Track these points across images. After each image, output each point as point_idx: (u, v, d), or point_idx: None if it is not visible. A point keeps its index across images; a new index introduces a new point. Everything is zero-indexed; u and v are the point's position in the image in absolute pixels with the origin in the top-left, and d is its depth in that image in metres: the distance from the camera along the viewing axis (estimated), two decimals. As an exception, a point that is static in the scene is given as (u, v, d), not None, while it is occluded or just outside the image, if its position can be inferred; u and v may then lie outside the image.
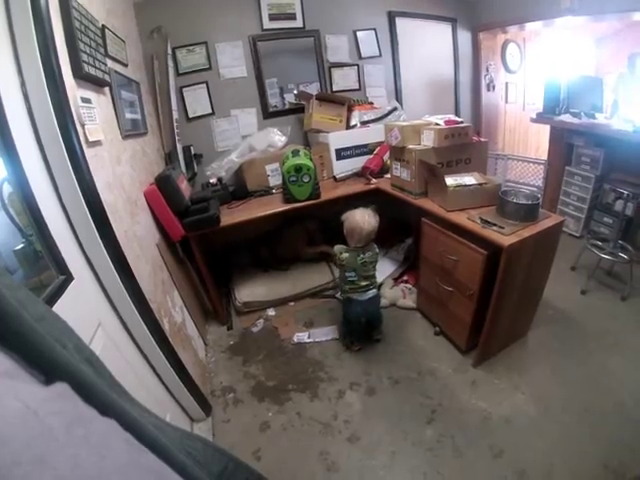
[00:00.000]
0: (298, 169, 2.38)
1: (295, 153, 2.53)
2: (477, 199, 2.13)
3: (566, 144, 3.35)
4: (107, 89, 1.68)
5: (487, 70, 4.07)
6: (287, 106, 3.13)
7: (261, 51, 2.90)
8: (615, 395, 1.84)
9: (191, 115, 2.86)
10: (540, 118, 3.46)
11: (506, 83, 4.33)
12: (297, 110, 3.11)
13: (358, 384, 2.06)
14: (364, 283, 2.11)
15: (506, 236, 1.82)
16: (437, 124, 2.28)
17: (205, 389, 2.00)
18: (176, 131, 2.66)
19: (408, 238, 3.09)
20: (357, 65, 3.25)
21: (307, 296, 2.81)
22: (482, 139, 2.40)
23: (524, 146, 4.99)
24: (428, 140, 2.22)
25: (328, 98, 2.88)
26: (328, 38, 3.09)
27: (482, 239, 1.87)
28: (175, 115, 2.65)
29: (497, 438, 1.68)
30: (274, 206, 2.49)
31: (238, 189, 2.79)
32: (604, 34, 4.48)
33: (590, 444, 1.61)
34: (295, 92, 3.11)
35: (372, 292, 2.14)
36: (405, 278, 2.90)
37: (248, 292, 2.68)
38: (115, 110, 1.74)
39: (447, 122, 2.24)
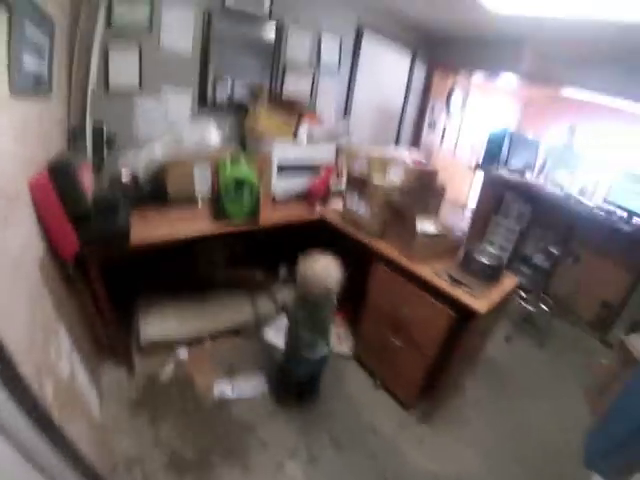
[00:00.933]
0: (239, 183, 1.92)
1: (235, 161, 2.08)
2: (440, 250, 1.96)
3: (496, 195, 3.48)
4: (3, 12, 1.05)
5: (432, 109, 4.10)
6: (226, 101, 2.62)
7: (214, 31, 2.37)
8: (542, 439, 2.07)
9: (112, 84, 2.17)
10: (480, 167, 3.56)
11: (444, 127, 4.43)
12: (239, 108, 2.63)
13: (298, 451, 1.73)
14: (320, 340, 1.75)
15: (478, 300, 1.68)
16: (404, 162, 2.06)
17: (104, 464, 1.40)
18: (88, 100, 1.99)
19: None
20: (313, 73, 2.92)
21: (226, 334, 2.32)
22: (443, 186, 2.25)
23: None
24: (395, 177, 1.99)
25: (282, 101, 2.49)
26: (291, 32, 2.68)
27: (449, 298, 1.71)
28: (92, 79, 1.98)
29: None
30: (200, 223, 1.95)
31: (154, 190, 2.12)
32: (530, 101, 4.96)
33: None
34: (250, 85, 2.64)
35: (326, 349, 1.78)
36: (338, 316, 2.60)
37: (156, 327, 2.09)
38: (9, 49, 1.11)
39: (416, 162, 2.04)
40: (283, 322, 2.42)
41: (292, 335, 1.75)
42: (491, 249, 1.97)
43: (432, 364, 1.84)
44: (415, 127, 4.15)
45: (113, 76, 2.13)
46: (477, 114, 4.81)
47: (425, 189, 2.13)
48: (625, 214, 2.85)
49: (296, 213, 2.33)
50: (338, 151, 2.69)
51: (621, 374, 2.27)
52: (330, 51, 2.97)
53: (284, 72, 2.78)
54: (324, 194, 2.53)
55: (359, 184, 2.06)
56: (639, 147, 4.02)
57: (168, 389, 1.90)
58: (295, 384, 1.89)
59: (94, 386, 1.70)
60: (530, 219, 3.33)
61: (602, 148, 4.03)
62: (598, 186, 3.20)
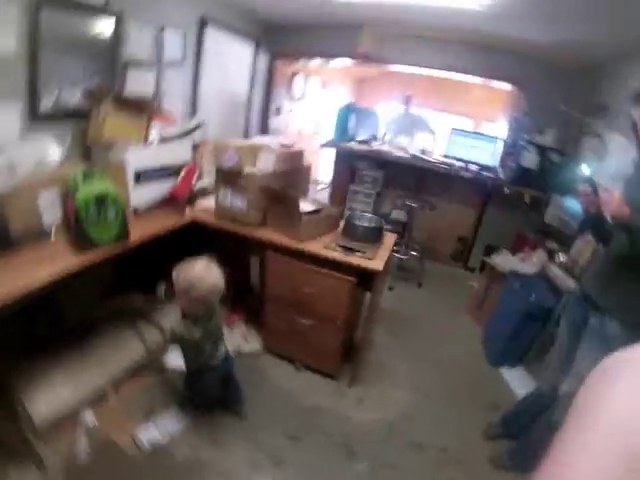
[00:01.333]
0: (101, 200, 1.59)
1: (88, 176, 1.73)
2: (323, 226, 2.02)
3: (350, 166, 3.78)
4: None
5: (277, 96, 4.19)
6: (62, 109, 2.15)
7: (45, 26, 1.87)
8: (450, 356, 2.45)
9: None
10: (331, 144, 3.77)
11: (289, 110, 4.55)
12: (78, 116, 2.21)
13: (259, 461, 1.61)
14: (220, 345, 1.64)
15: (373, 260, 1.78)
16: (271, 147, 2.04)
17: None
18: None
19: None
20: (157, 69, 2.64)
21: (126, 378, 1.93)
22: (309, 165, 2.30)
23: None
24: (266, 163, 1.95)
25: (128, 101, 2.16)
26: (131, 26, 2.34)
27: (346, 266, 1.79)
28: None
29: (410, 435, 1.82)
30: (60, 261, 1.54)
31: None
32: (364, 77, 5.44)
33: (463, 400, 2.10)
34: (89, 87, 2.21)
35: (223, 350, 1.68)
36: (234, 318, 2.48)
37: (47, 402, 1.60)
38: None
39: (282, 145, 2.03)
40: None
41: (192, 354, 1.60)
42: (367, 214, 2.11)
43: (344, 331, 1.91)
44: (263, 114, 4.19)
45: None
46: (317, 96, 5.07)
47: (295, 170, 2.15)
48: (462, 164, 3.38)
49: (165, 222, 2.08)
50: (195, 148, 2.51)
51: (491, 288, 2.74)
52: (173, 45, 2.73)
53: (125, 70, 2.44)
54: (188, 195, 2.33)
55: (230, 177, 1.95)
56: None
57: (93, 467, 1.52)
58: (214, 393, 1.74)
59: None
60: (383, 182, 3.72)
61: (432, 113, 4.69)
62: (435, 145, 3.73)
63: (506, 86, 3.54)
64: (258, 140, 2.13)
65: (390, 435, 1.82)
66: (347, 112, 3.59)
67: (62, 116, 2.12)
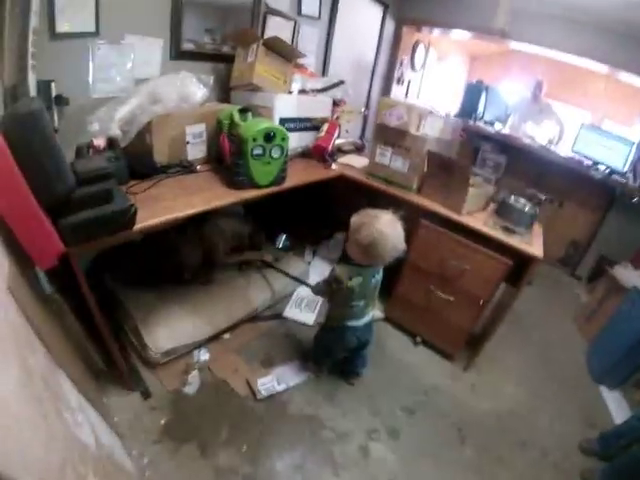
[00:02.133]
0: (269, 136, 1.54)
1: (245, 112, 1.73)
2: (481, 203, 1.97)
3: (473, 147, 3.61)
4: None
5: (401, 64, 4.04)
6: (205, 49, 2.19)
7: None
8: (557, 359, 2.42)
9: (60, 28, 1.64)
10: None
11: (409, 80, 4.40)
12: (220, 57, 2.25)
13: (376, 430, 1.65)
14: (368, 309, 1.62)
15: (531, 246, 1.73)
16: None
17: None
18: (31, 51, 1.48)
19: (336, 233, 2.71)
20: (295, 21, 2.62)
21: (242, 322, 2.00)
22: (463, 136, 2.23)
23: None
24: (431, 129, 1.91)
25: (278, 47, 2.15)
26: None
27: (502, 247, 1.73)
28: (33, 23, 1.46)
29: (517, 432, 1.82)
30: (215, 194, 1.55)
31: (136, 160, 1.59)
32: (479, 55, 5.14)
33: (565, 409, 2.05)
34: (233, 31, 2.22)
35: (369, 315, 1.66)
36: None
37: (167, 333, 1.65)
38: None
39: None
40: (301, 297, 2.29)
41: (340, 304, 1.58)
42: (521, 198, 2.03)
43: (482, 312, 1.89)
44: (385, 82, 4.06)
45: (61, 17, 1.62)
46: (434, 69, 4.86)
47: (452, 142, 2.09)
48: (590, 162, 3.15)
49: (314, 172, 2.13)
50: (334, 105, 2.50)
51: (606, 301, 2.60)
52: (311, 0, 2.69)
53: (264, 19, 2.44)
54: (331, 150, 2.35)
55: (393, 136, 1.93)
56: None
57: (203, 404, 1.58)
58: (341, 358, 1.76)
59: (117, 436, 1.32)
60: (505, 168, 3.52)
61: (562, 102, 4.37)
62: (561, 138, 3.49)
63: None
64: (422, 105, 2.06)
65: (499, 427, 1.82)
66: (479, 89, 3.42)
67: (204, 57, 2.16)
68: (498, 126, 3.56)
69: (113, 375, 1.54)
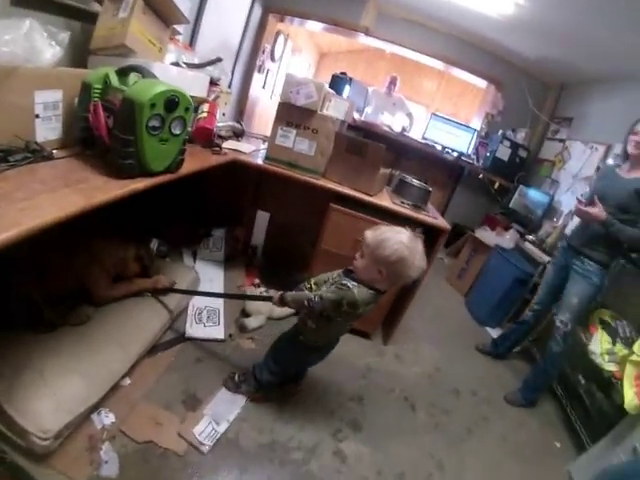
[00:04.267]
0: (172, 104, 1.14)
1: (124, 76, 1.24)
2: (383, 183, 2.03)
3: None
4: None
5: (263, 52, 3.90)
6: None
7: None
8: (451, 316, 2.85)
9: None
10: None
11: (267, 70, 4.30)
12: (76, 12, 1.72)
13: (339, 430, 1.54)
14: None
15: (437, 219, 1.87)
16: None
17: None
18: None
19: (214, 229, 2.41)
20: None
21: (139, 360, 1.51)
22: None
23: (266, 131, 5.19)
24: (337, 111, 1.86)
25: (159, 4, 1.73)
26: None
27: (413, 223, 1.78)
28: None
29: (447, 384, 2.06)
30: (94, 186, 1.05)
31: None
32: (329, 51, 5.40)
33: (471, 352, 2.47)
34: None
35: None
36: (257, 281, 2.29)
37: (52, 406, 1.10)
38: None
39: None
40: (198, 308, 1.90)
41: (334, 327, 1.32)
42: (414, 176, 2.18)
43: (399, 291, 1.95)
44: (247, 68, 3.88)
45: None
46: (291, 61, 4.90)
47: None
48: (440, 147, 3.67)
49: (203, 158, 1.80)
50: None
51: (472, 260, 3.09)
52: None
53: None
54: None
55: (298, 116, 1.79)
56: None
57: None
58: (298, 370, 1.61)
59: None
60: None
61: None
62: (412, 127, 3.96)
63: (481, 84, 3.96)
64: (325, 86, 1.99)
65: (432, 385, 2.00)
66: (344, 81, 3.56)
67: (57, 7, 1.61)
68: (356, 115, 3.79)
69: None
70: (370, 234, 1.19)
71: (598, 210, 1.70)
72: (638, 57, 2.55)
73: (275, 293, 1.37)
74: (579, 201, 1.83)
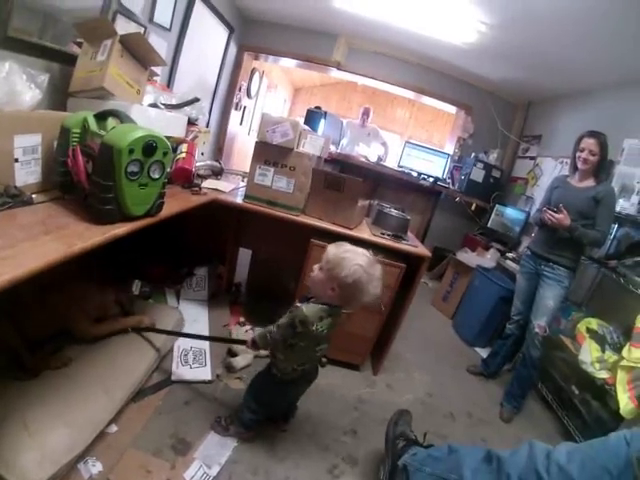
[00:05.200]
0: (150, 148, 1.15)
1: (103, 120, 1.26)
2: (362, 215, 2.08)
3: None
4: None
5: (239, 90, 4.00)
6: (37, 38, 1.66)
7: None
8: (436, 340, 2.86)
9: None
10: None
11: (244, 107, 4.41)
12: (56, 55, 1.76)
13: (335, 466, 1.49)
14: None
15: (417, 247, 1.90)
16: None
17: None
18: None
19: (196, 268, 2.40)
20: (145, 28, 2.28)
21: (125, 405, 1.46)
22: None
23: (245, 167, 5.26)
24: (313, 148, 1.91)
25: (137, 47, 1.75)
26: None
27: (394, 253, 1.85)
28: None
29: (441, 408, 2.04)
30: (74, 232, 1.05)
31: None
32: (303, 85, 5.58)
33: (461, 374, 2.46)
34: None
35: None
36: (242, 319, 2.27)
37: (37, 457, 1.06)
38: None
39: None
40: (184, 349, 1.86)
41: (299, 352, 1.29)
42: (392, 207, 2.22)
43: (385, 318, 1.95)
44: (225, 105, 3.98)
45: None
46: (267, 97, 5.04)
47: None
48: (416, 174, 3.77)
49: (182, 198, 1.80)
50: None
51: (456, 282, 3.13)
52: (165, 7, 2.42)
53: (114, 18, 2.06)
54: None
55: (276, 154, 1.83)
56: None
57: None
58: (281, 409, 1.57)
59: None
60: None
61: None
62: (387, 155, 4.07)
63: (452, 109, 4.13)
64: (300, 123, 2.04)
65: (427, 411, 1.98)
66: (319, 115, 3.66)
67: (38, 50, 1.69)
68: (333, 148, 3.89)
69: None
70: (332, 250, 1.20)
71: (564, 216, 1.87)
72: (595, 72, 2.76)
73: (249, 337, 1.37)
74: (546, 209, 1.96)
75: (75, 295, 1.50)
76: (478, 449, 1.20)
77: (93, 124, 1.21)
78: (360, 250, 1.20)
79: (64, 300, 1.46)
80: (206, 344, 1.93)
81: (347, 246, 1.21)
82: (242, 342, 1.44)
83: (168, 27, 2.56)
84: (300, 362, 1.31)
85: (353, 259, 1.15)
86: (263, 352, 1.94)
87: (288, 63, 4.17)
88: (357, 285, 1.14)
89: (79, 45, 1.74)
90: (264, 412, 1.43)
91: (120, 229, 1.15)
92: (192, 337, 1.85)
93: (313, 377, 1.44)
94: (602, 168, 1.96)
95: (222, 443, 1.42)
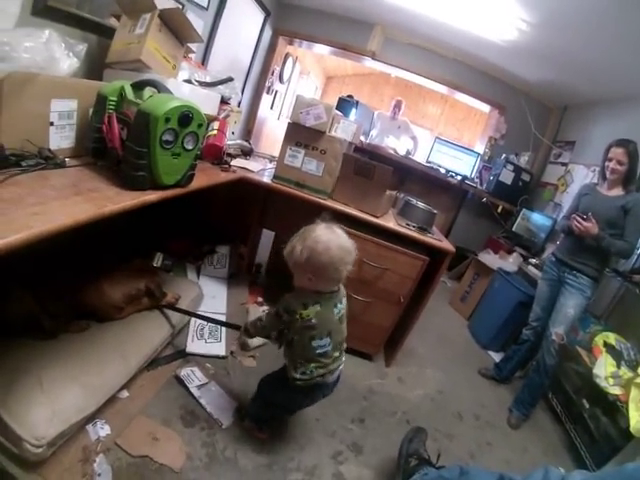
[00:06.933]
0: (186, 119, 1.16)
1: (139, 90, 1.27)
2: (389, 205, 2.06)
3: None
4: None
5: (272, 74, 4.00)
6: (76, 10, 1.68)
7: None
8: (454, 339, 2.83)
9: None
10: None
11: (276, 91, 4.40)
12: (94, 27, 1.79)
13: (340, 452, 1.50)
14: (337, 353, 1.28)
15: (442, 242, 1.87)
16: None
17: None
18: None
19: (219, 246, 2.41)
20: (183, 6, 2.30)
21: (142, 370, 1.51)
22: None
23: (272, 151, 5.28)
24: (345, 133, 1.89)
25: (176, 23, 1.70)
26: None
27: (418, 245, 1.83)
28: None
29: (450, 407, 2.03)
30: (105, 195, 1.05)
31: None
32: (335, 74, 5.54)
33: (474, 376, 2.43)
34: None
35: (340, 366, 1.33)
36: (260, 299, 2.31)
37: (48, 414, 1.09)
38: None
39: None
40: (200, 324, 1.88)
41: (299, 350, 1.22)
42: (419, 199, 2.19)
43: (402, 310, 1.94)
44: (257, 89, 3.97)
45: None
46: (296, 83, 5.02)
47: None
48: (444, 170, 3.71)
49: (212, 174, 1.81)
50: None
51: (476, 283, 3.08)
52: None
53: None
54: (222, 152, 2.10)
55: (307, 137, 1.83)
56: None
57: None
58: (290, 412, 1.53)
59: None
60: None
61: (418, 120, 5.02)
62: (416, 150, 4.02)
63: (485, 108, 4.04)
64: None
65: (435, 408, 1.97)
66: (350, 104, 3.64)
67: (77, 21, 1.71)
68: (362, 138, 3.86)
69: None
70: (285, 251, 1.21)
71: (592, 225, 1.82)
72: (637, 79, 2.62)
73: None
74: (575, 216, 1.91)
75: (103, 288, 1.48)
76: (489, 473, 1.17)
77: (130, 93, 1.23)
78: (310, 227, 1.20)
79: (94, 294, 1.46)
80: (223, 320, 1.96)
81: (294, 240, 1.20)
82: (238, 327, 1.45)
83: (205, 6, 2.57)
84: (301, 361, 1.22)
85: (301, 238, 1.17)
86: (256, 342, 1.94)
87: (322, 50, 4.12)
88: (314, 257, 1.13)
89: (117, 18, 1.76)
90: (271, 411, 1.43)
91: (151, 196, 1.17)
92: (193, 316, 1.80)
93: (327, 392, 1.38)
94: (631, 178, 1.89)
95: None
